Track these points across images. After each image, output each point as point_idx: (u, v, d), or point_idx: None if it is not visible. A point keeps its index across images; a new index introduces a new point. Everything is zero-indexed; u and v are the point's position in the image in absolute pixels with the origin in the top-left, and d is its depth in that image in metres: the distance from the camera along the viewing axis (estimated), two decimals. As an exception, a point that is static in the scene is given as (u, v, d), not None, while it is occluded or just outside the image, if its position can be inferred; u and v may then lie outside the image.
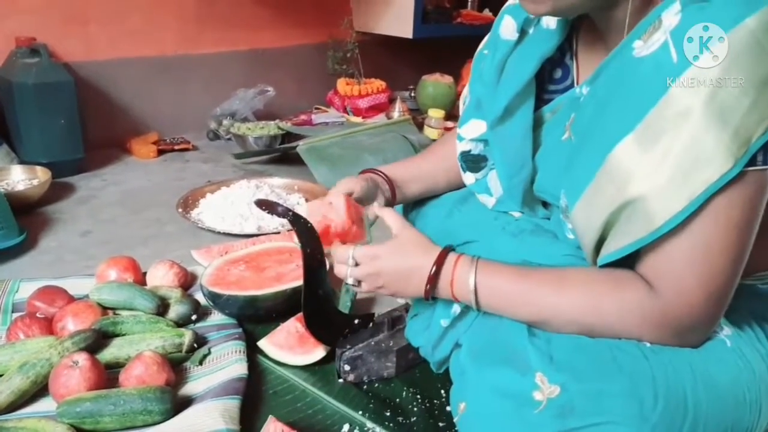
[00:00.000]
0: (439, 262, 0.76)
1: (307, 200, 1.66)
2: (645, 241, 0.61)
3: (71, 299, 1.05)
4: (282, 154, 2.01)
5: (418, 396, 0.92)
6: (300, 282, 0.89)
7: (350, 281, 0.82)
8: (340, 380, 0.95)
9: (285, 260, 1.15)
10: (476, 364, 0.72)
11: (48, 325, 0.98)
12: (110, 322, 0.97)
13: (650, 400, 0.60)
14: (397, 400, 0.92)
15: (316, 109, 2.40)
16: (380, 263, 0.79)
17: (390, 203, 0.96)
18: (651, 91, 0.59)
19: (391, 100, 2.34)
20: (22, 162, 1.72)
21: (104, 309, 1.03)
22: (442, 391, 0.93)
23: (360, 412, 0.88)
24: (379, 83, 2.32)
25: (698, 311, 0.62)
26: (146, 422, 0.81)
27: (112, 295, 1.05)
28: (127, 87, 2.07)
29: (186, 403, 0.86)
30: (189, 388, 0.90)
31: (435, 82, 2.38)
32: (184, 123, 2.21)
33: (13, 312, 1.07)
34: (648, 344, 0.65)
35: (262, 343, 1.00)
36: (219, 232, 1.44)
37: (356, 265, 0.81)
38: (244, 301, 1.04)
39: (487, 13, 2.74)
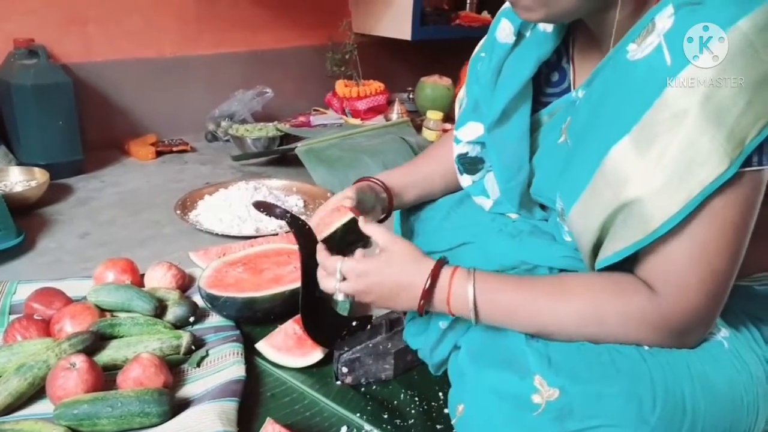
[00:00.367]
0: (434, 276, 0.73)
1: (305, 202, 1.66)
2: (642, 244, 0.61)
3: (69, 301, 1.04)
4: (280, 156, 2.01)
5: (416, 398, 0.92)
6: (298, 284, 0.89)
7: (340, 297, 0.79)
8: (338, 382, 0.95)
9: (283, 262, 1.15)
10: (475, 366, 0.72)
11: (45, 327, 0.98)
12: (108, 324, 0.97)
13: (649, 402, 0.60)
14: (395, 402, 0.92)
15: (315, 110, 2.41)
16: (369, 280, 0.76)
17: (387, 211, 0.96)
18: (645, 94, 0.59)
19: (390, 102, 2.34)
20: (20, 163, 1.72)
21: (102, 311, 1.03)
22: (440, 394, 0.93)
23: (358, 414, 0.88)
24: (377, 85, 2.33)
25: (698, 311, 0.62)
26: (144, 424, 0.81)
27: (109, 297, 1.05)
28: (126, 88, 2.07)
29: (184, 405, 0.86)
30: (187, 390, 0.90)
31: (433, 84, 2.38)
32: (182, 124, 2.21)
33: (10, 314, 1.07)
34: (646, 347, 0.65)
35: (260, 345, 1.00)
36: (217, 234, 1.44)
37: (344, 279, 0.78)
38: (242, 302, 1.04)
39: (485, 14, 2.74)
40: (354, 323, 0.98)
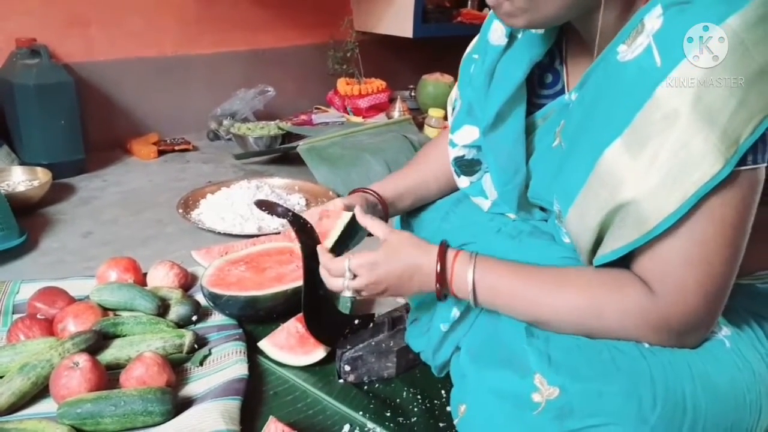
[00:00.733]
0: (441, 259, 0.75)
1: (307, 200, 1.66)
2: (639, 243, 0.61)
3: (72, 300, 1.05)
4: (282, 155, 2.01)
5: (419, 396, 0.92)
6: (300, 282, 0.89)
7: (348, 294, 0.80)
8: (341, 380, 0.95)
9: (285, 261, 1.15)
10: (475, 366, 0.72)
11: (48, 326, 0.98)
12: (111, 323, 0.97)
13: (649, 400, 0.60)
14: (398, 400, 0.92)
15: (317, 109, 2.40)
16: (380, 270, 0.77)
17: (385, 221, 0.96)
18: (636, 96, 0.59)
19: (392, 100, 2.34)
20: (22, 163, 1.73)
21: (105, 310, 1.03)
22: (443, 392, 0.93)
23: (360, 413, 0.88)
24: (379, 83, 2.32)
25: (697, 312, 0.62)
26: (147, 423, 0.81)
27: (112, 296, 1.05)
28: (128, 88, 2.07)
29: (186, 403, 0.86)
30: (189, 389, 0.90)
31: (435, 82, 2.38)
32: (184, 123, 2.21)
33: (13, 313, 1.07)
34: (646, 345, 0.65)
35: (263, 344, 1.00)
36: (219, 233, 1.44)
37: (354, 277, 0.79)
38: (244, 301, 1.04)
39: (487, 12, 2.73)
40: (356, 321, 0.98)
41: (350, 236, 0.85)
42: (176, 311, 1.04)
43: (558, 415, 0.62)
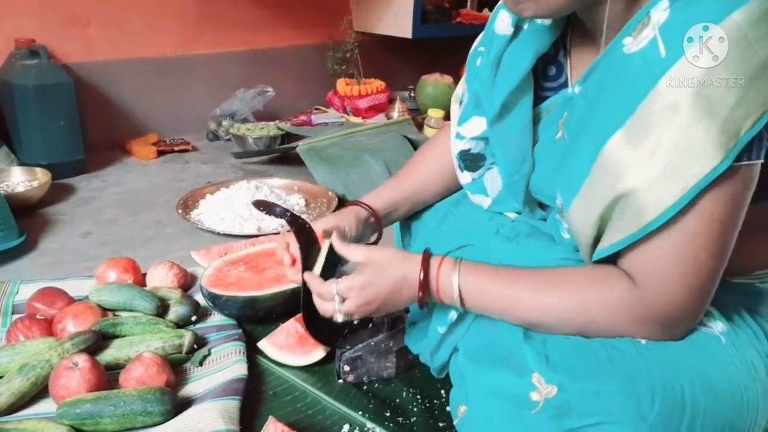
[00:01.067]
0: (425, 267, 0.75)
1: (306, 201, 1.66)
2: (638, 236, 0.61)
3: (71, 300, 1.05)
4: (282, 155, 2.01)
5: (418, 396, 0.92)
6: (299, 283, 0.89)
7: (340, 318, 0.80)
8: (340, 381, 0.95)
9: (284, 261, 1.14)
10: (474, 366, 0.72)
11: (48, 327, 0.98)
12: (110, 324, 0.97)
13: (647, 398, 0.60)
14: (397, 400, 0.92)
15: (316, 109, 2.40)
16: (369, 291, 0.77)
17: (378, 234, 0.96)
18: (640, 87, 0.59)
19: (391, 100, 2.34)
20: (22, 163, 1.72)
21: (104, 310, 1.03)
22: (442, 391, 0.93)
23: (360, 413, 0.88)
24: (378, 83, 2.32)
25: (681, 304, 0.62)
26: (146, 423, 0.81)
27: (111, 297, 1.05)
28: (127, 88, 2.07)
29: (186, 404, 0.86)
30: (189, 389, 0.90)
31: (434, 82, 2.38)
32: (183, 124, 2.21)
33: (13, 313, 1.07)
34: (643, 342, 0.65)
35: (262, 344, 1.00)
36: (219, 233, 1.44)
37: (343, 300, 0.79)
38: (243, 301, 1.04)
39: (486, 12, 2.74)
40: (355, 321, 0.98)
41: (338, 259, 0.85)
42: (175, 311, 1.04)
43: (557, 414, 0.62)
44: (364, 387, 0.95)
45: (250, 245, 1.27)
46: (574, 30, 0.78)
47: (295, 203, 1.63)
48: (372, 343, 0.95)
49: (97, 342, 0.92)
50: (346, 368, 0.94)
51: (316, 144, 1.89)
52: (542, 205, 0.85)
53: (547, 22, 0.76)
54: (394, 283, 0.76)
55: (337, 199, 1.65)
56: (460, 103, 0.92)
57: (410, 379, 0.96)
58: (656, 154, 0.58)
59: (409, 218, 1.03)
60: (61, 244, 1.39)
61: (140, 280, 1.14)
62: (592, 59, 0.68)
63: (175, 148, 2.06)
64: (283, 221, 0.92)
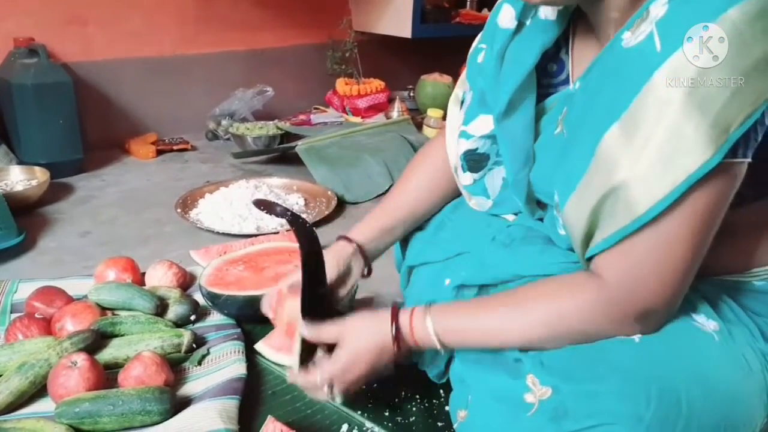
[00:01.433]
0: (395, 319, 0.75)
1: (306, 200, 1.66)
2: (629, 229, 0.61)
3: (70, 300, 1.05)
4: (281, 154, 2.01)
5: (417, 396, 0.92)
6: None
7: (338, 400, 0.79)
8: (339, 380, 0.95)
9: (284, 260, 1.15)
10: (472, 370, 0.72)
11: (47, 326, 0.98)
12: (109, 323, 0.97)
13: (643, 399, 0.60)
14: (396, 399, 0.92)
15: (315, 109, 2.40)
16: (351, 373, 0.77)
17: (368, 268, 0.94)
18: (635, 80, 0.59)
19: (390, 100, 2.34)
20: (20, 162, 1.72)
21: (103, 309, 1.03)
22: (441, 391, 0.93)
23: (359, 412, 0.88)
24: (378, 83, 2.32)
25: (654, 298, 0.62)
26: (145, 422, 0.81)
27: (110, 296, 1.05)
28: (126, 87, 2.07)
29: (185, 403, 0.86)
30: (188, 389, 0.90)
31: (434, 82, 2.38)
32: (183, 123, 2.21)
33: (11, 312, 1.07)
34: (637, 341, 0.65)
35: (259, 346, 1.00)
36: (218, 233, 1.44)
37: (332, 386, 0.78)
38: (243, 301, 1.04)
39: (486, 12, 2.73)
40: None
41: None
42: (174, 311, 1.04)
43: (553, 416, 0.62)
44: (363, 386, 0.94)
45: (249, 245, 1.27)
46: (576, 27, 0.78)
47: (295, 203, 1.63)
48: (371, 343, 0.95)
49: (95, 341, 0.92)
50: (345, 368, 0.94)
51: (315, 144, 1.89)
52: (540, 204, 0.85)
53: (551, 16, 0.76)
54: (373, 354, 0.76)
55: (336, 198, 1.65)
56: (462, 103, 0.91)
57: (409, 379, 0.96)
58: (648, 147, 0.58)
59: None
60: (60, 243, 1.39)
61: (139, 280, 1.14)
62: (594, 56, 0.68)
63: (174, 148, 2.05)
64: (282, 221, 0.92)
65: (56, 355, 0.87)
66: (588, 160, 0.63)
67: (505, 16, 0.80)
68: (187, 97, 2.21)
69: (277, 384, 0.94)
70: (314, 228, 0.90)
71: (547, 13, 0.76)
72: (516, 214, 0.88)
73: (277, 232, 1.42)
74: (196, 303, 1.07)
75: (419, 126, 2.21)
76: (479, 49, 0.86)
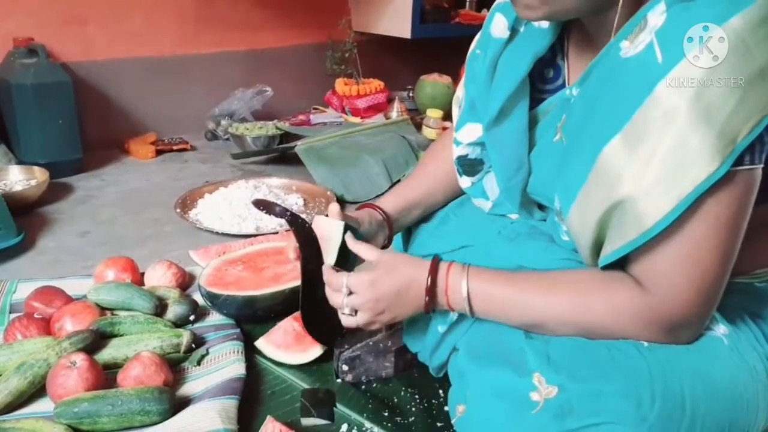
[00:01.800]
0: (433, 272, 0.75)
1: (305, 200, 1.66)
2: (638, 243, 0.61)
3: (69, 300, 1.04)
4: (280, 155, 2.01)
5: (417, 396, 0.92)
6: (298, 282, 0.89)
7: (347, 311, 0.80)
8: (339, 380, 0.95)
9: (283, 260, 1.14)
10: (474, 365, 0.72)
11: (46, 326, 0.98)
12: (108, 323, 0.97)
13: (648, 399, 0.60)
14: (396, 399, 0.92)
15: (315, 109, 2.40)
16: (379, 288, 0.77)
17: (388, 239, 0.95)
18: (636, 92, 0.59)
19: (390, 100, 2.34)
20: (20, 162, 1.72)
21: (102, 309, 1.03)
22: (441, 391, 0.93)
23: (358, 412, 0.88)
24: (377, 83, 2.32)
25: (688, 308, 0.63)
26: (144, 422, 0.81)
27: (110, 296, 1.05)
28: (126, 87, 2.07)
29: (184, 403, 0.86)
30: (187, 389, 0.90)
31: (433, 82, 2.38)
32: (182, 123, 2.21)
33: (10, 312, 1.07)
34: (645, 343, 0.65)
35: (260, 343, 1.00)
36: (217, 233, 1.44)
37: (350, 293, 0.79)
38: (242, 301, 1.04)
39: (485, 13, 2.74)
40: (360, 323, 0.98)
41: (349, 256, 0.85)
42: (174, 311, 1.04)
43: (557, 414, 0.62)
44: (363, 386, 0.95)
45: (249, 245, 1.27)
46: (571, 32, 0.78)
47: (294, 203, 1.63)
48: (370, 343, 0.95)
49: (95, 341, 0.92)
50: (345, 368, 0.94)
51: (314, 144, 1.89)
52: (541, 206, 0.85)
53: (545, 24, 0.76)
54: (402, 284, 0.76)
55: (335, 198, 1.65)
56: (459, 107, 0.92)
57: (408, 378, 0.96)
58: (653, 160, 0.58)
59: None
60: (59, 243, 1.39)
61: (138, 280, 1.14)
62: (590, 62, 0.68)
63: (174, 148, 2.05)
64: (282, 221, 0.92)
65: (55, 355, 0.87)
66: (588, 169, 0.63)
67: (497, 26, 0.80)
68: (186, 97, 2.21)
69: (277, 384, 0.94)
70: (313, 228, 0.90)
71: (541, 21, 0.76)
72: (519, 213, 0.89)
73: (277, 233, 1.42)
74: (195, 303, 1.07)
75: (418, 126, 2.21)
76: (476, 55, 0.87)
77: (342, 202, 1.69)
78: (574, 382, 0.63)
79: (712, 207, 0.58)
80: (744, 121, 0.56)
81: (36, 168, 1.66)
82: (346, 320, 0.81)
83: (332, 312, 0.96)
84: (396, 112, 2.27)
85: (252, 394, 0.91)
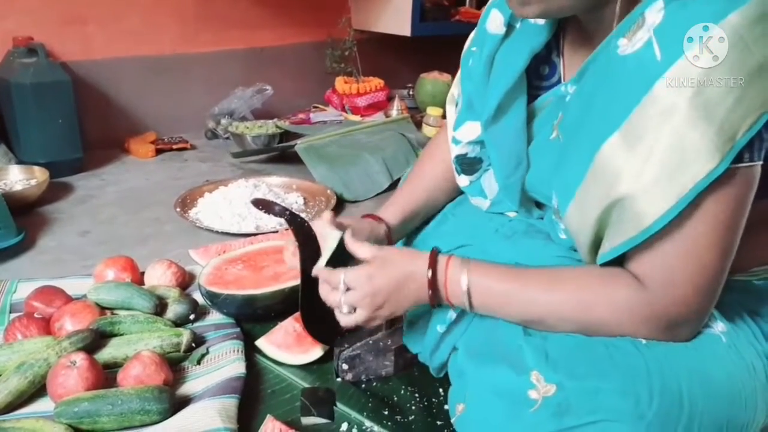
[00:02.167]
0: (432, 265, 0.74)
1: (305, 199, 1.66)
2: (636, 241, 0.61)
3: (69, 299, 1.05)
4: (280, 153, 2.00)
5: (417, 395, 0.92)
6: (298, 281, 0.89)
7: (345, 309, 0.79)
8: (338, 379, 0.95)
9: (283, 259, 1.14)
10: (473, 363, 0.72)
11: (46, 326, 0.98)
12: (108, 322, 0.97)
13: (646, 396, 0.61)
14: (396, 398, 0.92)
15: (315, 107, 2.40)
16: (376, 281, 0.76)
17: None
18: (635, 89, 0.59)
19: (390, 99, 2.34)
20: (20, 162, 1.72)
21: (102, 309, 1.03)
22: (440, 390, 0.93)
23: (358, 411, 0.88)
24: (377, 81, 2.32)
25: (687, 306, 0.63)
26: (144, 422, 0.81)
27: (109, 295, 1.05)
28: (125, 86, 2.06)
29: (184, 402, 0.86)
30: (187, 388, 0.90)
31: (433, 80, 2.38)
32: (182, 122, 2.21)
33: (10, 312, 1.07)
34: (643, 341, 0.65)
35: (260, 343, 1.00)
36: (217, 232, 1.44)
37: (347, 290, 0.78)
38: (242, 300, 1.04)
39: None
40: (358, 321, 0.98)
41: (345, 256, 0.84)
42: (174, 310, 1.04)
43: (555, 412, 0.62)
44: (363, 385, 0.95)
45: (249, 244, 1.27)
46: (567, 29, 0.77)
47: (294, 201, 1.63)
48: (370, 342, 0.95)
49: (95, 341, 0.92)
50: (345, 367, 0.94)
51: (314, 142, 1.89)
52: (538, 204, 0.85)
53: (541, 21, 0.76)
54: (399, 277, 0.76)
55: (335, 197, 1.65)
56: (456, 105, 0.92)
57: (408, 377, 0.96)
58: (651, 158, 0.58)
59: None
60: (59, 243, 1.39)
61: (138, 279, 1.14)
62: (586, 58, 0.68)
63: (174, 147, 2.05)
64: (282, 220, 0.92)
65: (55, 354, 0.87)
66: (585, 167, 0.63)
67: (493, 22, 0.80)
68: (186, 96, 2.21)
69: (277, 383, 0.94)
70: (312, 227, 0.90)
71: (537, 18, 0.76)
72: (516, 211, 0.88)
73: (277, 231, 1.42)
74: (195, 302, 1.07)
75: (418, 124, 2.20)
76: (470, 53, 0.86)
77: (342, 201, 1.69)
78: (572, 380, 0.63)
79: (711, 204, 0.58)
80: (743, 118, 0.56)
81: (36, 167, 1.66)
82: (345, 319, 0.80)
83: (332, 311, 0.96)
84: (396, 110, 2.27)
85: (252, 393, 0.91)
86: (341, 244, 0.83)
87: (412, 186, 0.98)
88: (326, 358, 0.98)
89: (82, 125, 1.81)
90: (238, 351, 0.96)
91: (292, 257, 0.94)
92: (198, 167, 1.94)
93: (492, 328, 0.74)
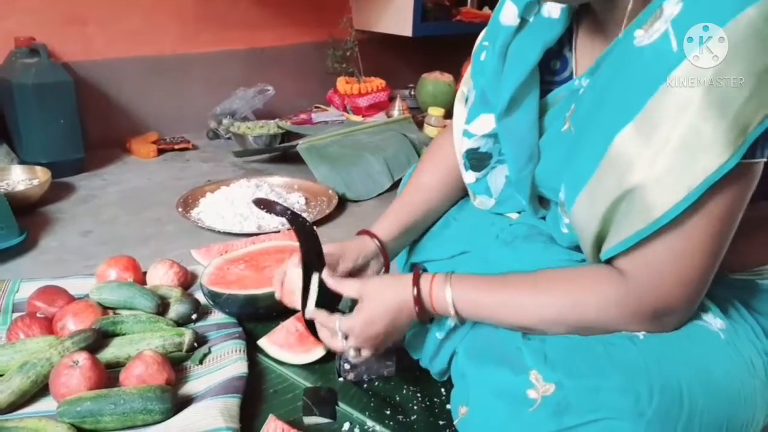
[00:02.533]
0: (416, 283, 0.76)
1: (307, 199, 1.66)
2: (645, 233, 0.61)
3: (71, 299, 1.05)
4: (282, 153, 2.01)
5: (418, 394, 0.92)
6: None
7: (351, 354, 0.82)
8: (341, 379, 0.95)
9: (285, 259, 1.14)
10: (473, 364, 0.72)
11: (48, 325, 0.98)
12: (110, 322, 0.97)
13: (646, 394, 0.60)
14: (397, 398, 0.92)
15: (316, 107, 2.40)
16: (373, 326, 0.79)
17: (385, 268, 0.95)
18: (651, 80, 0.59)
19: (391, 99, 2.34)
20: (22, 162, 1.72)
21: (104, 308, 1.03)
22: (442, 390, 0.93)
23: (360, 411, 0.88)
24: (378, 82, 2.32)
25: (674, 299, 0.63)
26: (146, 421, 0.81)
27: (112, 295, 1.05)
28: (127, 87, 2.07)
29: (186, 402, 0.86)
30: (189, 387, 0.90)
31: (435, 81, 2.37)
32: (183, 122, 2.21)
33: (13, 312, 1.07)
34: (641, 338, 0.65)
35: (262, 342, 1.00)
36: (219, 232, 1.44)
37: (346, 337, 0.81)
38: (244, 300, 1.04)
39: (486, 10, 2.73)
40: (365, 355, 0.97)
41: (327, 292, 0.85)
42: (176, 310, 1.04)
43: (555, 411, 0.62)
44: (365, 385, 0.95)
45: (251, 243, 1.27)
46: (580, 24, 0.77)
47: (295, 201, 1.63)
48: (372, 342, 0.95)
49: (97, 340, 0.92)
50: (347, 366, 0.94)
51: (316, 142, 1.89)
52: (543, 202, 0.84)
53: (555, 14, 0.75)
54: (394, 310, 0.78)
55: (337, 197, 1.65)
56: (466, 101, 0.91)
57: (410, 377, 0.96)
58: (665, 149, 0.58)
59: None
60: (61, 243, 1.39)
61: (140, 279, 1.14)
62: (599, 53, 0.68)
63: (176, 147, 2.06)
64: (283, 219, 0.92)
65: (58, 354, 0.87)
66: (598, 159, 0.63)
67: (507, 14, 0.80)
68: (187, 96, 2.21)
69: (279, 383, 0.94)
70: (315, 227, 0.90)
71: (551, 10, 0.75)
72: (519, 212, 0.88)
73: (278, 231, 1.42)
74: (197, 302, 1.07)
75: (420, 124, 2.20)
76: (482, 47, 0.86)
77: (343, 201, 1.69)
78: (572, 378, 0.63)
79: (709, 200, 0.58)
80: (755, 112, 0.56)
81: (38, 168, 1.66)
82: (354, 360, 0.84)
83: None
84: (397, 110, 2.27)
85: (254, 392, 0.91)
86: (323, 284, 0.84)
87: (411, 196, 0.97)
88: (328, 357, 0.98)
89: (83, 125, 1.81)
90: (240, 351, 0.96)
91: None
92: (200, 167, 1.94)
93: (492, 330, 0.74)
